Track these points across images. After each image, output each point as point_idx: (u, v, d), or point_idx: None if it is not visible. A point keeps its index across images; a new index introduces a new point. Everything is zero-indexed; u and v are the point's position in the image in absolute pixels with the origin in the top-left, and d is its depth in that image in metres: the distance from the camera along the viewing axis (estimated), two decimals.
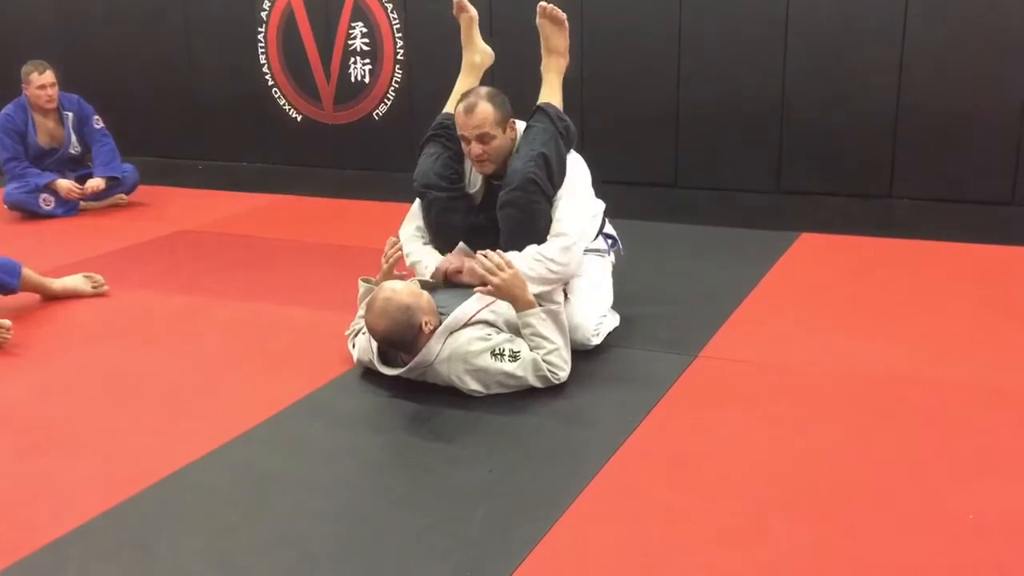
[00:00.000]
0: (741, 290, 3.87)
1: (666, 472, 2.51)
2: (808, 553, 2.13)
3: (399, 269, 3.33)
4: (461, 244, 3.23)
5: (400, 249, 3.30)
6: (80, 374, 3.27)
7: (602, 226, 3.52)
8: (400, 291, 2.85)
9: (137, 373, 3.25)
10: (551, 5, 3.42)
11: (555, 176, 3.16)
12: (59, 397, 3.09)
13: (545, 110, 3.29)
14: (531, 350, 2.91)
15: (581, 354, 3.17)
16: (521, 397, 2.91)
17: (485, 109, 3.10)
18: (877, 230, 4.71)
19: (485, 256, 2.92)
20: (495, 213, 3.19)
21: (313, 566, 2.13)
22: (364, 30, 5.99)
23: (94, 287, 4.05)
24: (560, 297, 3.10)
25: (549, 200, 3.14)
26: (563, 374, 2.95)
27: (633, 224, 5.02)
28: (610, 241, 3.57)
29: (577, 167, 3.28)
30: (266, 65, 6.34)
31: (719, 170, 5.23)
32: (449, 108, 3.46)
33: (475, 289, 2.96)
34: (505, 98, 3.19)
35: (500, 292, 2.90)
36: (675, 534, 2.22)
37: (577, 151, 3.33)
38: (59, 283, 4.00)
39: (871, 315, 3.60)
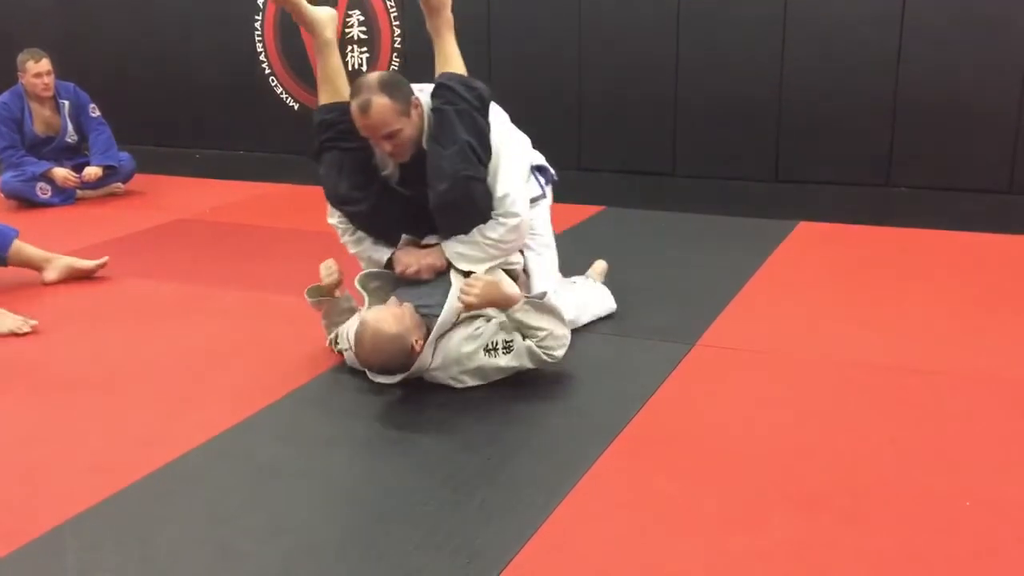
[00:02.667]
0: (739, 279, 3.87)
1: (664, 460, 2.51)
2: (806, 540, 2.14)
3: (340, 291, 3.15)
4: (405, 237, 3.08)
5: (335, 275, 3.06)
6: (76, 362, 3.27)
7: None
8: (384, 320, 2.72)
9: (134, 362, 3.25)
10: None
11: (483, 157, 2.92)
12: (56, 386, 3.08)
13: (449, 86, 2.96)
14: (524, 338, 2.89)
15: (579, 342, 3.17)
16: (519, 385, 2.91)
17: (381, 104, 2.78)
18: (875, 219, 4.71)
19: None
20: (418, 185, 2.95)
21: (312, 553, 2.13)
22: (361, 19, 5.96)
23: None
24: (517, 258, 3.08)
25: (484, 181, 2.93)
26: (559, 353, 2.89)
27: (631, 213, 5.04)
28: (543, 176, 3.35)
29: (499, 129, 3.02)
30: (263, 53, 6.32)
31: (717, 159, 5.22)
32: (325, 98, 3.09)
33: (459, 314, 2.86)
34: (398, 78, 2.89)
35: (480, 306, 2.83)
36: (673, 521, 2.22)
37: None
38: (55, 273, 4.03)
39: (869, 303, 3.60)
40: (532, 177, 3.26)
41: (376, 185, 3.05)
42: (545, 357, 2.88)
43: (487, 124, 2.98)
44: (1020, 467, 2.43)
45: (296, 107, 6.33)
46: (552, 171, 3.40)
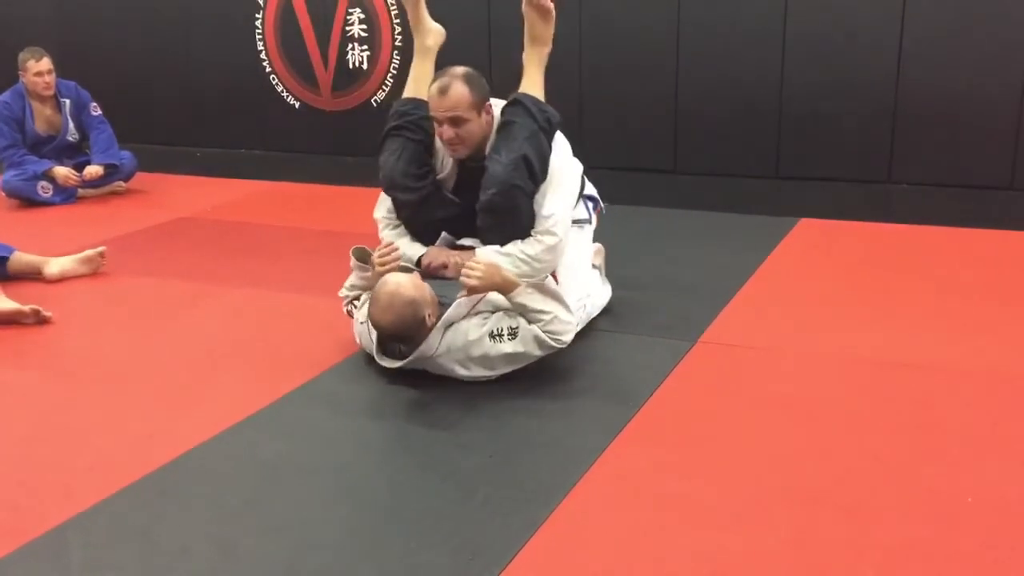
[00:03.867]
0: (740, 276, 3.88)
1: (666, 457, 2.52)
2: (807, 537, 2.14)
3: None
4: (444, 235, 3.16)
5: (395, 253, 3.03)
6: (80, 361, 3.27)
7: (582, 188, 3.38)
8: (404, 284, 2.80)
9: (137, 360, 3.25)
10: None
11: (537, 175, 3.03)
12: (60, 384, 3.09)
13: (522, 102, 3.10)
14: (529, 323, 2.88)
15: (580, 339, 3.18)
16: (521, 382, 2.91)
17: (459, 90, 2.94)
18: (876, 215, 4.72)
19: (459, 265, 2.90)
20: (470, 196, 3.06)
21: (315, 550, 2.14)
22: (362, 16, 5.96)
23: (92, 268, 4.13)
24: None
25: (531, 197, 3.03)
26: (567, 338, 2.90)
27: (632, 210, 5.04)
28: (591, 203, 3.47)
29: (560, 154, 3.15)
30: (263, 52, 6.31)
31: (718, 156, 5.22)
32: (408, 93, 3.31)
33: (458, 296, 2.86)
34: (482, 79, 3.04)
35: (482, 289, 2.84)
36: (675, 518, 2.23)
37: (573, 138, 3.29)
38: (56, 267, 4.04)
39: (870, 300, 3.60)
40: (581, 202, 3.39)
41: (430, 181, 3.16)
42: (552, 342, 2.87)
43: (549, 147, 3.09)
44: (1021, 464, 2.43)
45: (296, 105, 6.33)
46: (601, 203, 3.54)
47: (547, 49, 3.28)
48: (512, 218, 3.03)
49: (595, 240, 3.52)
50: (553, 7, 3.20)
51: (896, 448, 2.52)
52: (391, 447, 2.65)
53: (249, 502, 2.35)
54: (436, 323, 2.84)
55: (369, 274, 3.09)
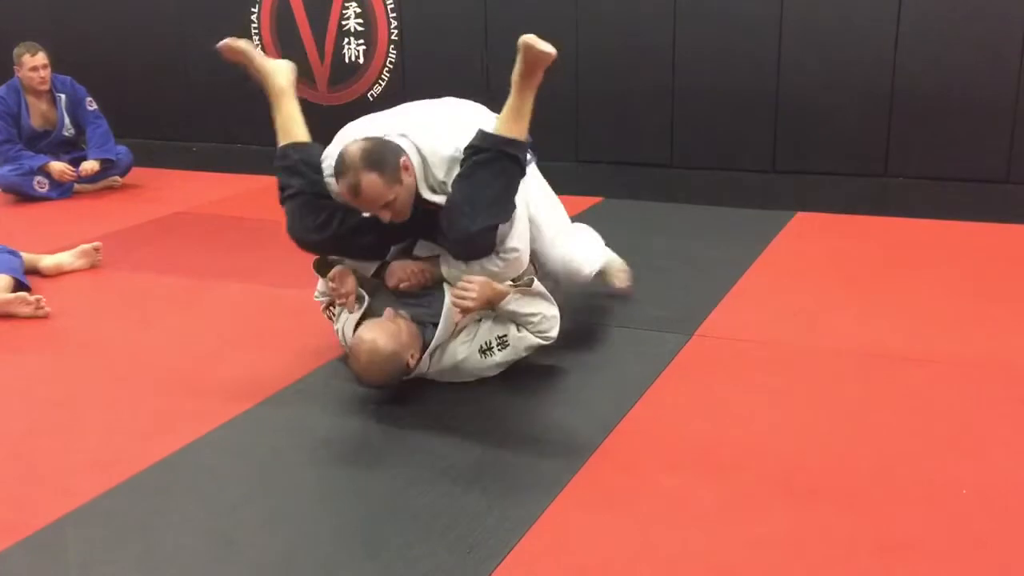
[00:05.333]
0: (737, 269, 3.88)
1: (662, 450, 2.52)
2: (804, 530, 2.15)
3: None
4: (394, 249, 2.97)
5: (350, 299, 2.89)
6: (77, 356, 3.27)
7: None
8: (380, 338, 2.66)
9: (133, 355, 3.25)
10: (541, 44, 2.72)
11: (506, 227, 2.81)
12: (57, 379, 3.09)
13: (508, 153, 2.74)
14: (519, 328, 2.87)
15: (577, 333, 3.18)
16: (517, 377, 2.91)
17: (372, 182, 2.62)
18: (872, 209, 4.72)
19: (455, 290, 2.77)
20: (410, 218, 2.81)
21: (312, 544, 2.14)
22: (358, 10, 5.95)
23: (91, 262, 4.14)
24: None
25: (497, 228, 2.79)
26: (553, 333, 2.90)
27: (628, 204, 5.04)
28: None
29: (532, 188, 2.98)
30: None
31: (714, 150, 5.22)
32: (286, 140, 3.04)
33: (457, 321, 2.82)
34: (382, 147, 2.69)
35: (479, 307, 2.77)
36: (671, 511, 2.23)
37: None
38: (52, 260, 4.04)
39: (866, 293, 3.61)
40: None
41: (336, 220, 2.90)
42: (541, 340, 2.88)
43: (516, 188, 2.83)
44: (1017, 455, 2.44)
45: None
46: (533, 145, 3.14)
47: (541, 73, 2.79)
48: (481, 252, 2.82)
49: (592, 233, 3.50)
50: (555, 54, 2.75)
51: (893, 440, 2.52)
52: (388, 442, 2.65)
53: (247, 497, 2.35)
54: (421, 355, 2.78)
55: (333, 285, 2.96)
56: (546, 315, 2.88)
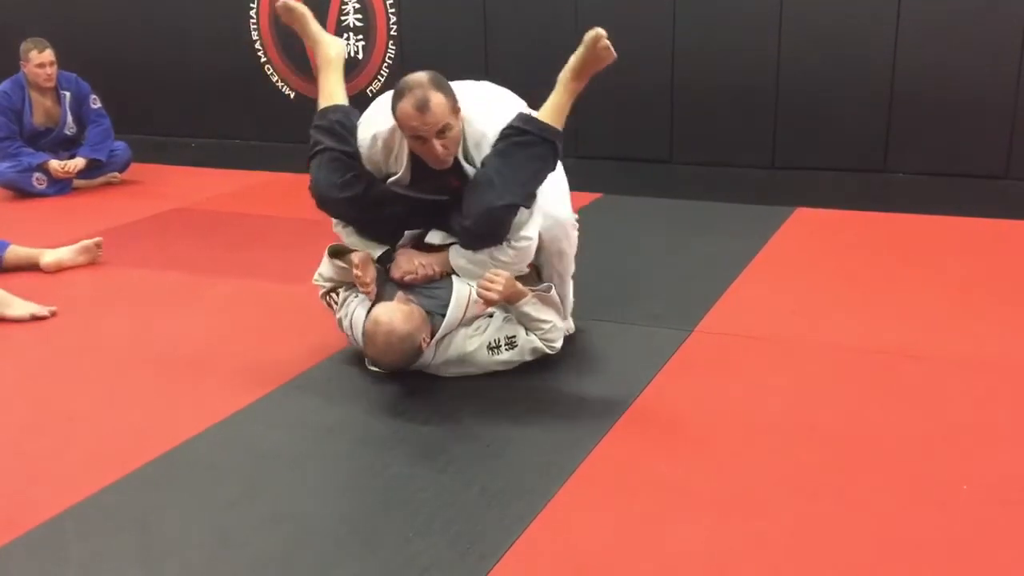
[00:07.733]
0: (736, 265, 3.88)
1: (663, 445, 2.52)
2: (804, 524, 2.15)
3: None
4: (407, 234, 2.95)
5: (371, 287, 2.90)
6: (76, 351, 3.27)
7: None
8: (396, 319, 2.70)
9: (133, 350, 3.25)
10: (606, 42, 2.76)
11: (525, 215, 2.83)
12: (56, 374, 3.09)
13: (548, 140, 2.79)
14: (528, 332, 2.89)
15: (577, 329, 3.18)
16: (518, 372, 2.91)
17: (439, 101, 2.64)
18: (872, 204, 4.72)
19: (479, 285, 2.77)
20: (427, 187, 2.84)
21: (313, 540, 2.14)
22: (357, 6, 5.95)
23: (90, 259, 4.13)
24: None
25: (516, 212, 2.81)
26: (558, 344, 2.94)
27: (628, 200, 5.04)
28: None
29: (555, 180, 2.96)
30: (259, 42, 6.30)
31: (714, 146, 5.22)
32: (324, 103, 3.07)
33: (477, 313, 2.85)
34: (443, 76, 2.75)
35: (500, 301, 2.80)
36: (671, 506, 2.23)
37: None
38: (52, 256, 4.04)
39: (866, 289, 3.61)
40: None
41: (362, 184, 2.90)
42: (547, 349, 2.92)
43: (547, 175, 2.87)
44: (1016, 451, 2.44)
45: (292, 96, 6.32)
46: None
47: (587, 78, 2.90)
48: (495, 238, 2.84)
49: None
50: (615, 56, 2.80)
51: (892, 436, 2.52)
52: (388, 437, 2.65)
53: (246, 492, 2.35)
54: (431, 339, 2.81)
55: (345, 267, 2.97)
56: (556, 325, 2.92)
